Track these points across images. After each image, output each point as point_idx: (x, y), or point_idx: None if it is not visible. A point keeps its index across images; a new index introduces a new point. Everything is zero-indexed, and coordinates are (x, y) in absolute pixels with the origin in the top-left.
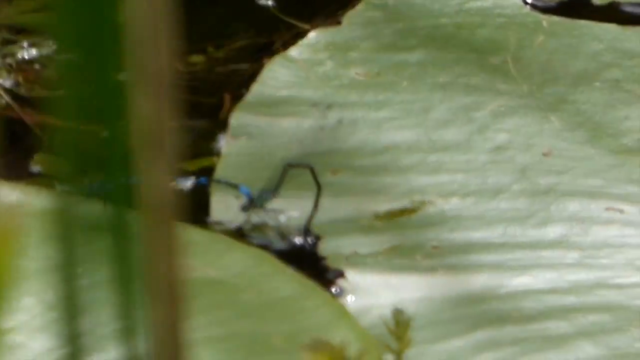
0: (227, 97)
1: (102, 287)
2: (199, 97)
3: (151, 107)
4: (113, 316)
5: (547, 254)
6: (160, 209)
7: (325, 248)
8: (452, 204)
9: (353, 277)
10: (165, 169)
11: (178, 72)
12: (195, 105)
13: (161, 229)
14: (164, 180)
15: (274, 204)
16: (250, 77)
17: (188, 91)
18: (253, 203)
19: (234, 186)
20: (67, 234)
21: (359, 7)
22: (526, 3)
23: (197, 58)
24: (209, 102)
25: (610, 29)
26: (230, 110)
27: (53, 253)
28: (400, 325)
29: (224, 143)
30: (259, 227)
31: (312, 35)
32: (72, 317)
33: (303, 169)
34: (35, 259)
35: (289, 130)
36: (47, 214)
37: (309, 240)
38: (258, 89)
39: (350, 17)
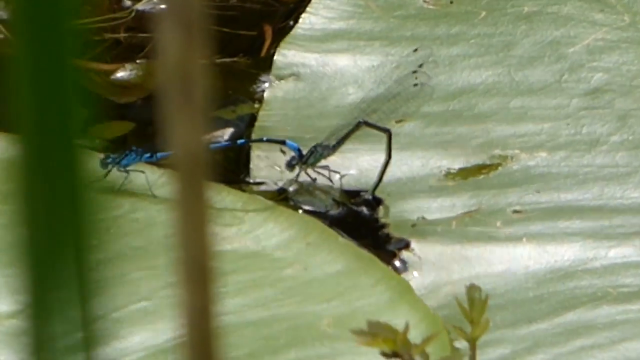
0: (268, 30)
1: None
2: (235, 29)
3: (178, 44)
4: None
5: None
6: (190, 168)
7: (388, 213)
8: (539, 160)
9: (419, 248)
10: (197, 119)
11: (210, 1)
12: (231, 39)
13: (191, 192)
14: (195, 132)
15: (327, 161)
16: (297, 5)
17: (221, 23)
18: (303, 160)
19: (279, 142)
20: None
21: None
22: None
23: None
24: (247, 35)
25: None
26: (272, 46)
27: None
28: (475, 305)
29: (267, 86)
30: (308, 189)
31: None
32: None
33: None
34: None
35: (345, 71)
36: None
37: (368, 203)
38: (307, 20)
39: None
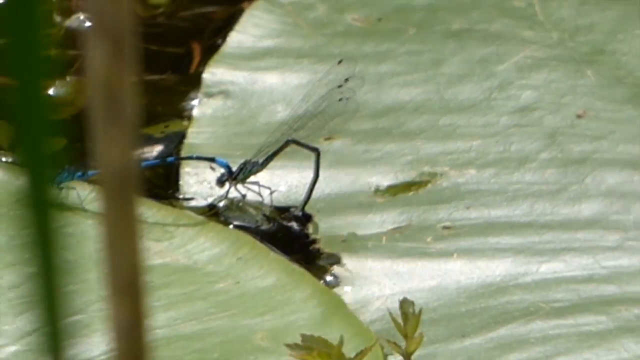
0: (196, 47)
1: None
2: (163, 47)
3: (106, 61)
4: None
5: (581, 236)
6: (119, 184)
7: (318, 229)
8: (468, 177)
9: (351, 264)
10: (125, 136)
11: (138, 18)
12: (159, 56)
13: (120, 208)
14: (123, 148)
15: (257, 177)
16: (226, 23)
17: (149, 40)
18: (232, 176)
19: (209, 159)
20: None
21: None
22: None
23: (159, 0)
24: (175, 53)
25: None
26: (201, 64)
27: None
28: (409, 319)
29: (196, 103)
30: (239, 205)
31: None
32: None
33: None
34: None
35: (274, 88)
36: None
37: (299, 218)
38: (236, 38)
39: None
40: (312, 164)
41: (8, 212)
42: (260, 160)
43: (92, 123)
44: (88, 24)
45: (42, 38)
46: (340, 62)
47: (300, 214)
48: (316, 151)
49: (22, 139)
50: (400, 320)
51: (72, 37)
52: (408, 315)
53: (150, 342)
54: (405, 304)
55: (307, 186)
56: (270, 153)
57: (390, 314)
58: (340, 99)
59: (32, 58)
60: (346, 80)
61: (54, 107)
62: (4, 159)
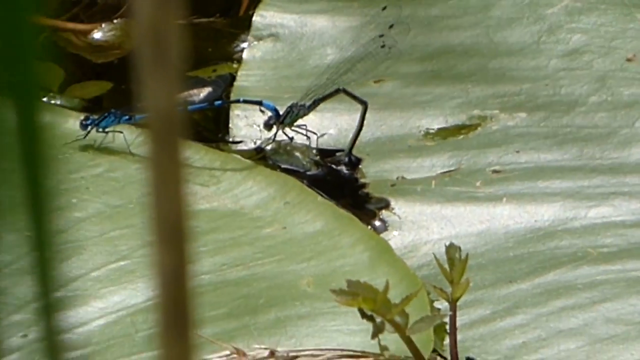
0: None
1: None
2: None
3: (152, 3)
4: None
5: (630, 180)
6: (164, 128)
7: (367, 172)
8: (518, 120)
9: (399, 208)
10: (171, 78)
11: None
12: None
13: (166, 152)
14: (169, 91)
15: (305, 121)
16: None
17: None
18: (280, 119)
19: (256, 103)
20: None
21: None
22: None
23: None
24: None
25: None
26: (251, 7)
27: None
28: (455, 265)
29: (245, 46)
30: (286, 148)
31: None
32: None
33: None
34: None
35: (324, 31)
36: None
37: (347, 163)
38: None
39: None
40: (359, 115)
41: (57, 154)
42: (308, 104)
43: (138, 66)
44: None
45: None
46: (384, 8)
47: (346, 158)
48: (364, 104)
49: (7, 66)
50: (446, 266)
51: None
52: (454, 260)
53: (195, 288)
54: (451, 249)
55: (352, 132)
56: (318, 97)
57: (437, 259)
58: (382, 46)
59: None
60: (390, 26)
61: (42, 31)
62: (52, 102)
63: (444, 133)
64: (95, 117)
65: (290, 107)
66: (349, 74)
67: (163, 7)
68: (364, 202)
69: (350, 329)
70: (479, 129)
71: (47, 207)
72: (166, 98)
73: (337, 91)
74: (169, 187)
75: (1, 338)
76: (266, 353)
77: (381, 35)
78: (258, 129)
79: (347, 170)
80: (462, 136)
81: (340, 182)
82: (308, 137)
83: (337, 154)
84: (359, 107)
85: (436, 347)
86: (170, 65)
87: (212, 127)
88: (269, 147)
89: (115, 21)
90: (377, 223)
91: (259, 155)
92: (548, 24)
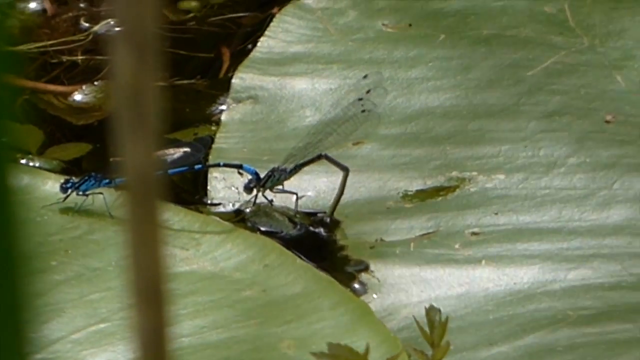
0: (226, 52)
1: None
2: (193, 52)
3: (131, 66)
4: None
5: (609, 242)
6: (142, 190)
7: (346, 235)
8: (497, 182)
9: (378, 271)
10: (150, 140)
11: (168, 23)
12: (189, 61)
13: (144, 214)
14: (147, 153)
15: (284, 183)
16: (255, 28)
17: (179, 45)
18: (260, 183)
19: (236, 167)
20: None
21: None
22: None
23: (189, 4)
24: (205, 58)
25: None
26: (230, 69)
27: None
28: (435, 327)
29: (224, 108)
30: (266, 210)
31: None
32: None
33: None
34: None
35: (303, 94)
36: None
37: (326, 225)
38: (266, 43)
39: None
40: (339, 180)
41: (35, 217)
42: (289, 168)
43: (117, 128)
44: (116, 29)
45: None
46: (365, 77)
47: (328, 219)
48: (346, 170)
49: None
50: (427, 328)
51: (100, 43)
52: (434, 323)
53: (175, 351)
54: (431, 311)
55: (334, 196)
56: (299, 163)
57: (417, 321)
58: (362, 111)
59: None
60: (367, 92)
61: (10, 89)
62: (31, 164)
63: (423, 195)
64: (76, 180)
65: (272, 170)
66: (328, 138)
67: (143, 70)
68: (343, 265)
69: None
70: (458, 190)
71: (21, 271)
72: (145, 160)
73: (319, 157)
74: (148, 250)
75: None
76: None
77: (360, 99)
78: (236, 191)
79: (326, 232)
80: (440, 198)
81: (319, 244)
82: (292, 193)
83: (318, 215)
84: (338, 170)
85: None
86: (149, 127)
87: (190, 189)
88: (248, 210)
89: (96, 83)
90: (357, 286)
91: (238, 218)
92: (528, 85)
